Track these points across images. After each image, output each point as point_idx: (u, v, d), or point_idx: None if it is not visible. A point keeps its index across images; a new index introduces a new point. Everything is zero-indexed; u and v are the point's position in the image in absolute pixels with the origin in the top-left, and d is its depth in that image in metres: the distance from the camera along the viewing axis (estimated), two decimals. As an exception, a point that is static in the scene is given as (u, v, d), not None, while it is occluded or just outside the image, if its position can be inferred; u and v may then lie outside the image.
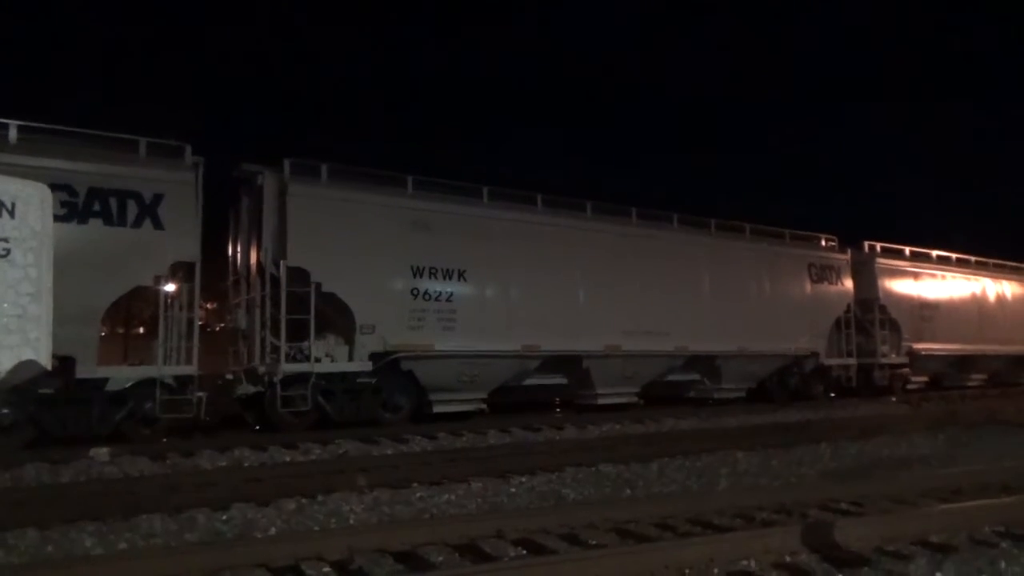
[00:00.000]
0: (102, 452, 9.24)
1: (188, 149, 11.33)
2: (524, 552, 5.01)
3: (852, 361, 18.99)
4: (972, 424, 12.96)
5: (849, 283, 19.31)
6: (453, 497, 7.00)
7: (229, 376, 13.48)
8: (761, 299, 17.34)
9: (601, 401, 14.98)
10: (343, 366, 12.26)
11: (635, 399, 15.54)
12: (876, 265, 19.98)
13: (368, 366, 12.24)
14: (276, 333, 11.76)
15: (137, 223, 10.65)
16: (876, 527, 5.13)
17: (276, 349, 11.75)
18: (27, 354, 2.79)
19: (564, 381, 14.96)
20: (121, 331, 14.21)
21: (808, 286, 18.35)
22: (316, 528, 5.93)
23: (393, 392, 12.84)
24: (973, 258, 23.61)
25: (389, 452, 9.94)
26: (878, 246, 20.75)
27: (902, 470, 8.74)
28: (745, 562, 4.56)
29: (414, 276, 12.78)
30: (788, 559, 4.64)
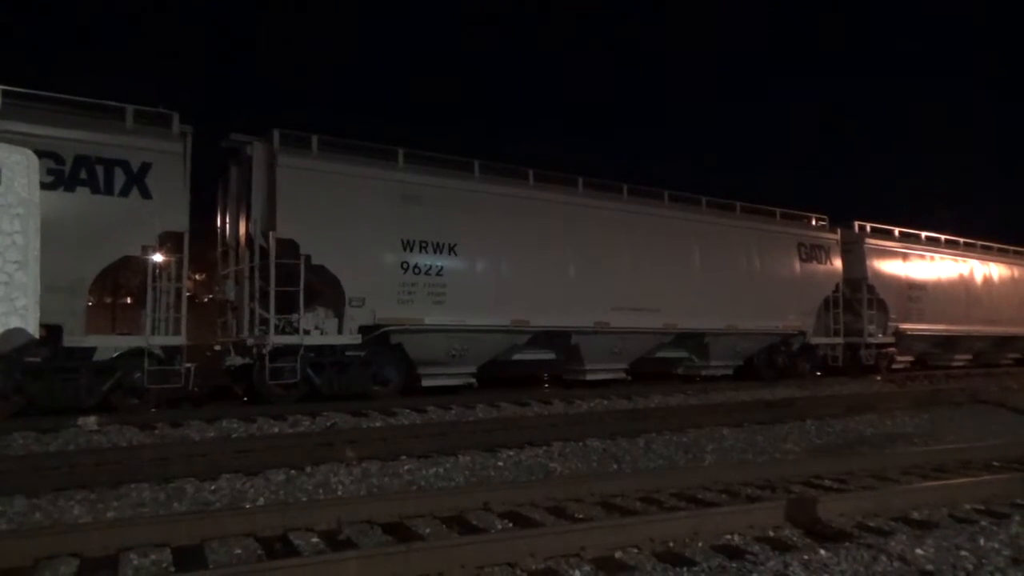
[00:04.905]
0: (90, 421, 9.25)
1: (176, 118, 11.18)
2: (511, 524, 5.06)
3: (839, 340, 19.11)
4: (956, 403, 13.13)
5: (838, 262, 19.37)
6: (441, 470, 7.06)
7: (218, 347, 13.46)
8: (750, 277, 17.38)
9: (590, 377, 15.06)
10: (332, 339, 12.24)
11: (623, 375, 15.62)
12: (865, 245, 20.04)
13: (357, 339, 12.23)
14: (265, 305, 11.71)
15: (125, 192, 10.53)
16: (859, 503, 5.21)
17: (265, 321, 11.70)
18: (14, 322, 2.76)
19: (553, 356, 14.99)
20: (109, 301, 14.16)
21: (797, 265, 18.41)
22: (305, 499, 5.96)
23: (382, 365, 12.85)
24: (962, 239, 23.73)
25: (378, 425, 9.98)
26: (868, 226, 20.82)
27: (886, 447, 8.86)
28: (729, 536, 4.62)
29: (404, 249, 12.73)
30: (772, 534, 4.72)
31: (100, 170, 10.38)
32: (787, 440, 9.22)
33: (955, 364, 22.84)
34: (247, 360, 12.08)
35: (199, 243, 12.97)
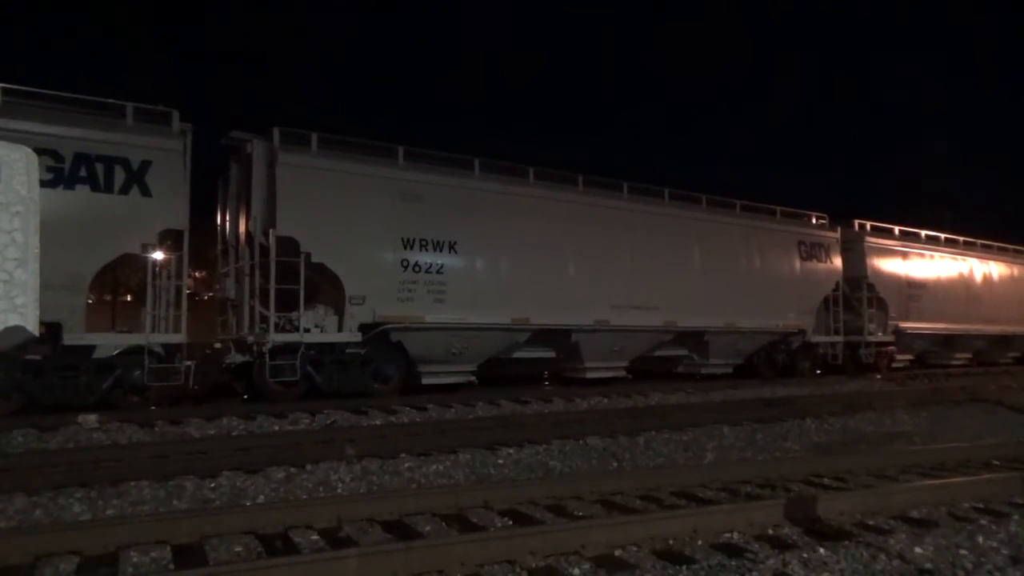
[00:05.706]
0: (90, 419, 9.24)
1: (176, 116, 11.18)
2: (511, 522, 5.06)
3: (839, 338, 19.11)
4: (955, 402, 13.13)
5: (838, 261, 19.37)
6: (441, 468, 7.06)
7: (218, 345, 13.45)
8: (750, 275, 17.38)
9: (590, 375, 15.06)
10: (332, 337, 12.24)
11: (623, 373, 15.62)
12: (865, 244, 20.04)
13: (357, 337, 12.23)
14: (265, 303, 11.71)
15: (124, 190, 10.53)
16: (858, 502, 5.22)
17: (265, 319, 11.70)
18: (14, 320, 2.75)
19: (553, 354, 15.00)
20: (109, 299, 14.16)
21: (797, 263, 18.41)
22: (305, 497, 5.96)
23: (382, 363, 12.85)
24: (961, 238, 23.73)
25: (378, 422, 9.98)
26: (868, 224, 20.82)
27: (885, 446, 8.87)
28: (729, 535, 4.63)
29: (404, 247, 12.73)
30: (771, 532, 4.72)
31: (100, 168, 10.38)
32: (787, 438, 9.22)
33: (955, 363, 22.85)
34: (247, 358, 12.07)
35: (199, 241, 12.97)
